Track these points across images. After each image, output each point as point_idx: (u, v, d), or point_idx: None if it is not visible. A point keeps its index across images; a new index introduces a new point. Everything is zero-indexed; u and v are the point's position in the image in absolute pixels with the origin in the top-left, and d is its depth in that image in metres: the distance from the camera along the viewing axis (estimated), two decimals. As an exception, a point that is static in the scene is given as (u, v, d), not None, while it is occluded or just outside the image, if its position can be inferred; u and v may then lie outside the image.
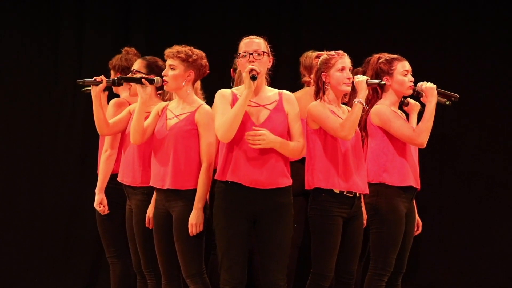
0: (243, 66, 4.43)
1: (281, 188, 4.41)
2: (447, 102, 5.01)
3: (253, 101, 4.42)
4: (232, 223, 4.37)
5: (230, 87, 5.10)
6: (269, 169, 4.38)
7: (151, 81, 4.75)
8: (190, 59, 4.66)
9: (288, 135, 4.47)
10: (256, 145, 4.32)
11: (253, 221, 4.41)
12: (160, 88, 4.96)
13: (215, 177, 4.46)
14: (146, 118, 4.73)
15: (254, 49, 4.42)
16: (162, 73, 4.70)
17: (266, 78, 4.52)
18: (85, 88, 5.43)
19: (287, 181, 4.45)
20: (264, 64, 4.44)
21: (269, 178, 4.38)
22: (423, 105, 4.96)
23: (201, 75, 4.76)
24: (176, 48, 4.70)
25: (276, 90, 4.51)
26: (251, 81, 4.31)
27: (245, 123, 4.36)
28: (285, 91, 4.52)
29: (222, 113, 4.37)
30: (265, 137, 4.33)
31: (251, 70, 4.32)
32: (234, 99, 4.42)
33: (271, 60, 4.50)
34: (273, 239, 4.39)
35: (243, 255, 4.40)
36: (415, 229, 5.11)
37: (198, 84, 5.01)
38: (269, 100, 4.47)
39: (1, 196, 6.69)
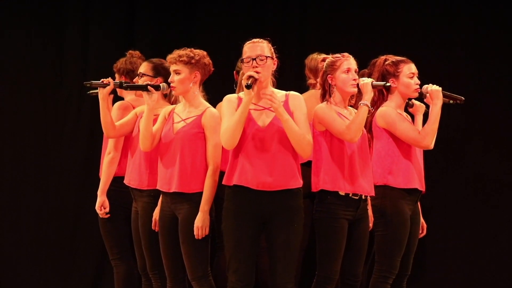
0: (246, 71, 4.40)
1: (290, 189, 4.39)
2: (451, 101, 5.01)
3: (258, 104, 4.41)
4: (240, 225, 4.36)
5: (234, 90, 5.13)
6: (277, 170, 4.35)
7: (157, 88, 4.75)
8: (193, 61, 4.66)
9: None
10: (271, 100, 4.27)
11: (262, 223, 4.40)
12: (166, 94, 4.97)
13: (223, 182, 4.45)
14: (154, 121, 4.73)
15: (257, 54, 4.39)
16: (169, 80, 4.69)
17: (272, 80, 4.49)
18: (92, 91, 5.45)
19: (297, 183, 4.41)
20: (267, 68, 4.41)
21: (277, 180, 4.35)
22: (427, 106, 4.96)
23: (207, 74, 4.76)
24: (176, 52, 4.69)
25: (283, 92, 4.49)
26: (249, 89, 4.28)
27: (251, 127, 4.35)
28: (292, 92, 4.50)
29: (228, 119, 4.36)
30: (277, 101, 4.28)
31: (248, 77, 4.30)
32: (240, 104, 4.40)
33: (276, 63, 4.47)
34: (282, 242, 4.37)
35: (251, 257, 4.38)
36: (420, 232, 5.11)
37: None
38: None
39: (6, 197, 6.69)
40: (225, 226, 4.41)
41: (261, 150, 4.35)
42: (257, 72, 4.32)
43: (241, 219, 4.37)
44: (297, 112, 4.42)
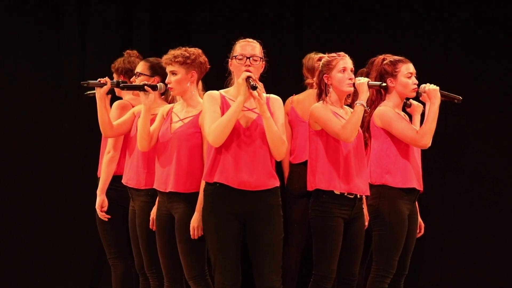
0: (237, 68, 4.41)
1: (269, 189, 4.40)
2: (455, 100, 5.01)
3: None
4: (222, 226, 4.36)
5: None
6: (257, 170, 4.36)
7: (154, 88, 4.75)
8: (189, 60, 4.66)
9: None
10: (259, 96, 4.26)
11: (243, 222, 4.39)
12: (163, 92, 4.97)
13: (203, 178, 4.45)
14: (152, 120, 4.73)
15: (251, 54, 4.41)
16: (166, 81, 4.69)
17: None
18: (89, 92, 5.46)
19: (275, 182, 4.43)
20: (258, 69, 4.43)
21: (258, 180, 4.36)
22: (423, 105, 4.96)
23: (203, 72, 4.75)
24: (171, 53, 4.68)
25: (264, 95, 4.47)
26: (255, 90, 4.28)
27: (234, 126, 4.33)
28: (272, 95, 4.51)
29: (211, 117, 4.35)
30: (264, 100, 4.30)
31: (248, 77, 4.30)
32: (223, 102, 4.41)
33: (263, 66, 4.48)
34: (263, 241, 4.36)
35: (236, 256, 4.38)
36: (417, 231, 5.11)
37: (200, 85, 5.02)
38: None
39: (4, 197, 6.68)
40: (206, 228, 4.41)
41: (242, 150, 4.36)
42: (249, 72, 4.34)
43: (222, 220, 4.36)
44: (276, 114, 4.43)
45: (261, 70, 4.47)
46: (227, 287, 4.37)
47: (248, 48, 4.42)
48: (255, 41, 4.47)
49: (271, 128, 4.33)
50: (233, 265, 4.37)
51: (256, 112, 4.40)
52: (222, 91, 4.48)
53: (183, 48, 4.68)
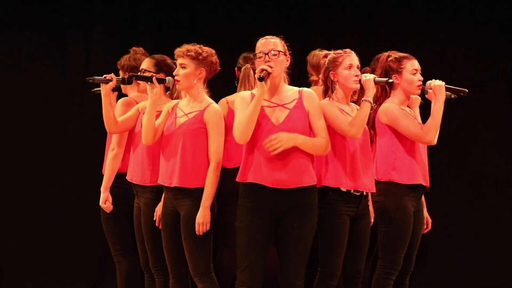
0: (259, 66, 4.39)
1: (304, 187, 4.38)
2: (453, 96, 5.01)
3: (272, 101, 4.42)
4: (254, 222, 4.35)
5: (235, 86, 5.13)
6: (291, 168, 4.35)
7: (162, 81, 4.75)
8: (201, 57, 4.67)
9: (311, 133, 4.44)
10: (277, 149, 4.29)
11: (276, 221, 4.39)
12: (168, 88, 4.97)
13: (237, 179, 4.45)
14: (157, 117, 4.73)
15: (269, 49, 4.40)
16: (174, 73, 4.70)
17: (285, 77, 4.51)
18: (95, 89, 5.47)
19: (311, 180, 4.42)
20: (280, 63, 4.42)
21: (292, 178, 4.35)
22: (426, 100, 4.96)
23: (212, 72, 4.76)
24: (185, 47, 4.70)
25: (296, 88, 4.49)
26: (261, 82, 4.29)
27: (265, 124, 4.36)
28: (305, 89, 4.50)
29: (240, 115, 4.36)
30: (281, 138, 4.29)
31: (261, 71, 4.31)
32: (253, 100, 4.40)
33: (289, 59, 4.48)
34: (294, 238, 4.37)
35: (262, 256, 4.37)
36: (424, 227, 5.12)
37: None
38: (288, 99, 4.44)
39: (8, 194, 6.69)
40: (239, 223, 4.40)
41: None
42: (270, 67, 4.33)
43: (255, 217, 4.36)
44: (312, 110, 4.43)
45: (286, 64, 4.48)
46: (249, 285, 4.35)
47: (266, 45, 4.42)
48: (274, 36, 4.47)
49: (307, 145, 4.37)
50: (258, 264, 4.36)
51: (288, 108, 4.40)
52: (254, 90, 4.47)
53: (198, 45, 4.70)
